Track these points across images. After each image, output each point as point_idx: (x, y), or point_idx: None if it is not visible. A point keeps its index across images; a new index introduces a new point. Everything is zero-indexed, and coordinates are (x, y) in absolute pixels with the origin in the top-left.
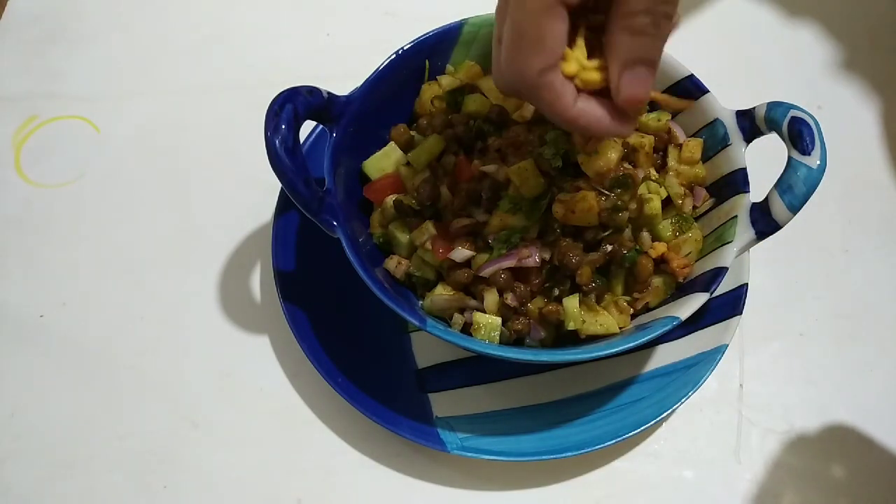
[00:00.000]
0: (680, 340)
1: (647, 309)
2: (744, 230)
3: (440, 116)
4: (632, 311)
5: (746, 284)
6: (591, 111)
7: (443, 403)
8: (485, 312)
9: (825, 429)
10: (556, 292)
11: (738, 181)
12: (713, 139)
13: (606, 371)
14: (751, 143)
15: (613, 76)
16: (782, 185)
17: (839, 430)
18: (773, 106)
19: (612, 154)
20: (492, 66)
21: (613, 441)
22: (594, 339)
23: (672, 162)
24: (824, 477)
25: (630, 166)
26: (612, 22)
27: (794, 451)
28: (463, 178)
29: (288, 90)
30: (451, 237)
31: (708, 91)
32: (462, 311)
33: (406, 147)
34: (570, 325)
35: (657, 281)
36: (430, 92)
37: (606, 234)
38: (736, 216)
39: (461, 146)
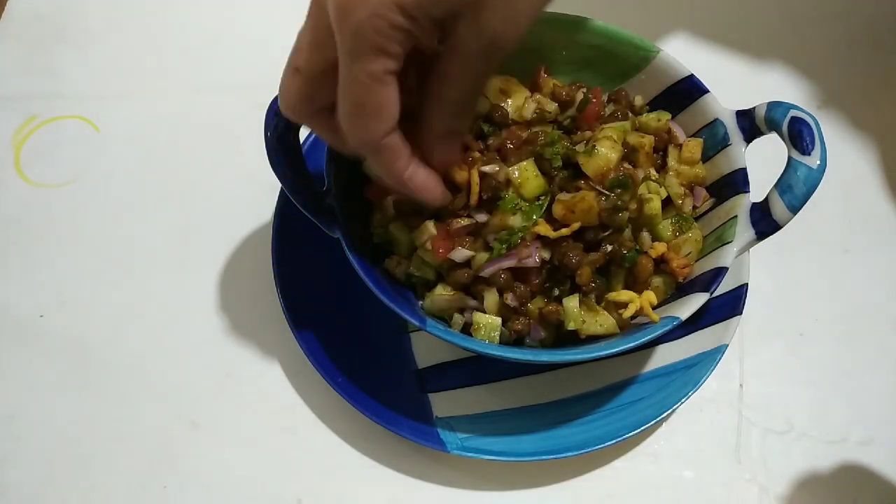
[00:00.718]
0: (680, 340)
1: None
2: (744, 230)
3: None
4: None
5: (746, 284)
6: (419, 177)
7: (443, 403)
8: (485, 312)
9: (825, 429)
10: (556, 292)
11: (738, 181)
12: (713, 139)
13: (606, 371)
14: (751, 143)
15: (427, 146)
16: (782, 185)
17: (839, 430)
18: (773, 106)
19: (612, 154)
20: (281, 91)
21: (613, 441)
22: (594, 339)
23: (672, 162)
24: (825, 477)
25: (630, 166)
26: (425, 100)
27: (794, 450)
28: None
29: None
30: (451, 237)
31: (708, 91)
32: (462, 311)
33: None
34: (570, 325)
35: (657, 281)
36: None
37: (606, 234)
38: (736, 216)
39: None
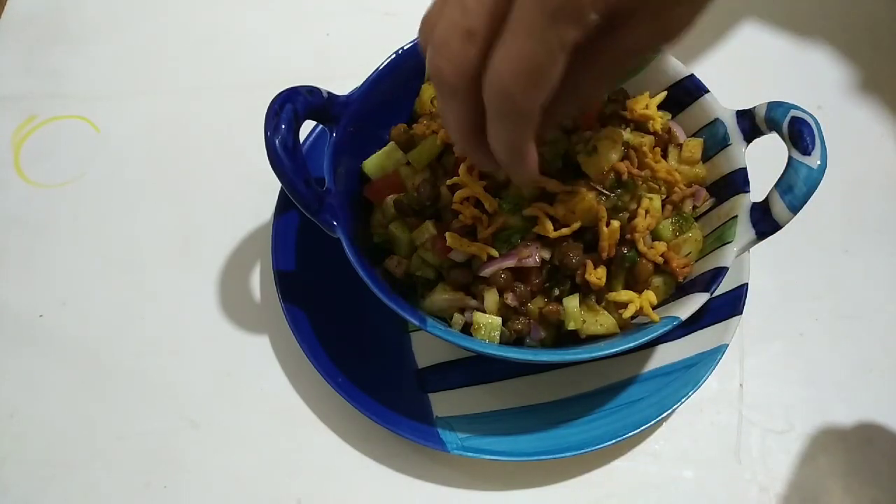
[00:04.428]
0: (680, 340)
1: None
2: (744, 230)
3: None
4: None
5: (746, 284)
6: (532, 152)
7: (443, 403)
8: (485, 312)
9: (825, 429)
10: (556, 292)
11: (738, 181)
12: (713, 139)
13: (606, 371)
14: (751, 143)
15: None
16: (783, 185)
17: (839, 429)
18: (773, 106)
19: (612, 154)
20: (447, 59)
21: (613, 441)
22: (594, 339)
23: (672, 162)
24: (825, 477)
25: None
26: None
27: (794, 451)
28: None
29: (288, 90)
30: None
31: (708, 91)
32: (462, 311)
33: (406, 147)
34: (571, 325)
35: (657, 281)
36: (430, 92)
37: None
38: (736, 216)
39: None
